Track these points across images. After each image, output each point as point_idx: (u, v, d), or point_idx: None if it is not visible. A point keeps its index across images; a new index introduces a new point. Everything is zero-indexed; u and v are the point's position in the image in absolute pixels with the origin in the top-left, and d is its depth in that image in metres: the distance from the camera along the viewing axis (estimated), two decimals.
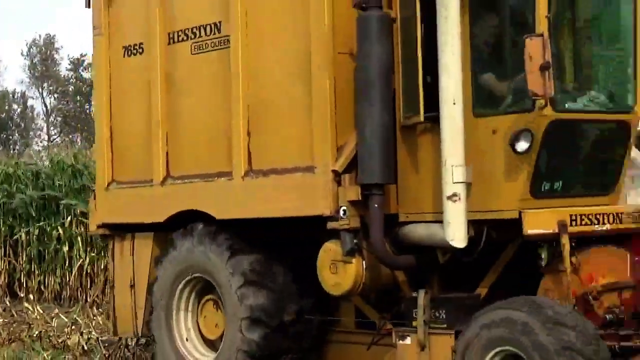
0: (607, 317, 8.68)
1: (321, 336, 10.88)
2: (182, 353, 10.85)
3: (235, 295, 10.12)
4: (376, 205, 9.19)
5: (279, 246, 10.68)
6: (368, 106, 9.07)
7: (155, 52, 11.02)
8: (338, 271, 9.45)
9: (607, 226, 9.25)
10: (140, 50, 11.26)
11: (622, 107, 9.53)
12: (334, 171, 9.37)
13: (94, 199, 12.14)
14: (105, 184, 11.82)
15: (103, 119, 11.78)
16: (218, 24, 10.37)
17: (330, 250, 9.58)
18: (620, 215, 9.45)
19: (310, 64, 9.51)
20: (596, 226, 9.17)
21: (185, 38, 10.76)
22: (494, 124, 8.73)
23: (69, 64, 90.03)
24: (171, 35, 10.92)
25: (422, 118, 8.94)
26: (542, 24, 8.43)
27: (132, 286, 11.48)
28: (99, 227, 12.00)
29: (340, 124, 9.41)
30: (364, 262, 9.55)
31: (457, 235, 8.65)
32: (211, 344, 10.86)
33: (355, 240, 9.44)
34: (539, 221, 8.77)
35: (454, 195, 8.55)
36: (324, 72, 9.36)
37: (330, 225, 9.49)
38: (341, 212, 9.37)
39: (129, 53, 11.46)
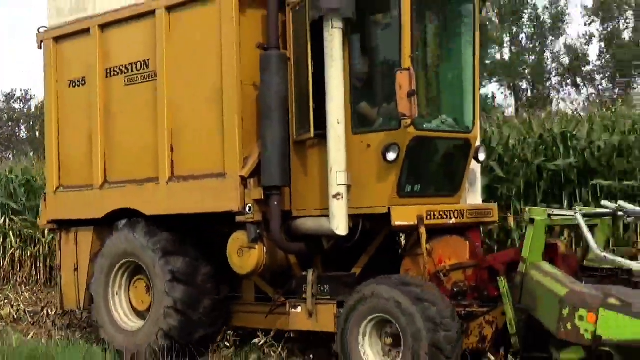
0: (454, 289, 9.85)
1: (227, 308, 11.73)
2: (115, 319, 11.71)
3: (163, 287, 10.93)
4: (275, 203, 10.11)
5: (199, 241, 11.51)
6: (269, 125, 9.99)
7: (95, 84, 11.75)
8: (244, 255, 10.40)
9: (453, 220, 10.34)
10: (83, 83, 12.04)
11: (464, 128, 10.55)
12: (241, 177, 10.22)
13: (44, 200, 12.88)
14: (54, 188, 12.58)
15: (52, 138, 12.57)
16: (147, 61, 11.17)
17: (238, 239, 10.44)
18: (462, 212, 10.54)
19: (221, 94, 10.37)
20: (445, 220, 10.25)
21: (119, 72, 11.55)
22: (368, 139, 9.72)
23: (3, 97, 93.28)
24: (108, 71, 11.68)
25: (312, 135, 9.87)
26: (406, 62, 9.44)
27: (76, 270, 12.36)
28: (48, 222, 12.81)
29: (245, 140, 10.31)
30: (264, 248, 10.39)
31: (340, 226, 9.62)
32: (139, 314, 11.68)
33: (258, 231, 10.30)
34: (403, 215, 9.75)
35: (338, 194, 9.55)
36: (233, 100, 10.25)
37: (238, 218, 10.28)
38: (247, 209, 10.24)
39: (74, 85, 12.25)
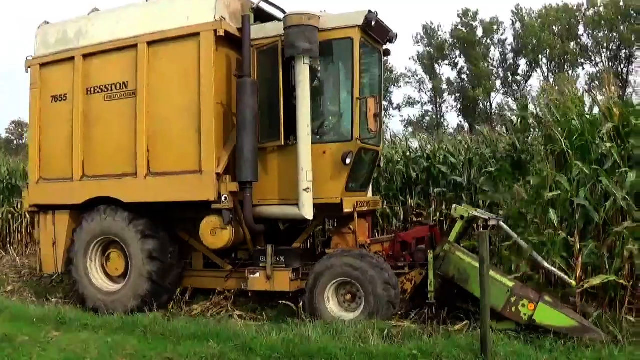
0: None
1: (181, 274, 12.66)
2: (91, 280, 12.50)
3: (141, 262, 11.91)
4: (248, 195, 11.16)
5: (167, 225, 12.43)
6: (245, 135, 10.99)
7: (77, 100, 12.39)
8: (217, 234, 11.39)
9: (366, 208, 11.89)
10: (65, 99, 12.65)
11: (377, 143, 12.04)
12: (217, 173, 11.16)
13: (27, 189, 13.35)
14: (36, 179, 13.09)
15: (34, 140, 13.07)
16: (126, 82, 11.98)
17: (211, 221, 11.41)
18: (369, 202, 12.18)
19: (198, 109, 11.25)
20: (363, 208, 11.72)
21: (99, 91, 12.26)
22: (324, 148, 11.06)
23: None
24: (89, 89, 12.36)
25: (282, 142, 11.05)
26: (357, 92, 10.92)
27: (54, 244, 12.98)
28: (30, 206, 13.28)
29: (217, 145, 11.27)
30: (233, 229, 11.47)
31: (309, 212, 10.84)
32: (111, 278, 12.57)
33: (231, 216, 11.30)
34: (348, 205, 11.18)
35: (308, 188, 10.75)
36: (210, 115, 11.22)
37: (215, 206, 11.22)
38: (223, 198, 11.17)
39: (56, 100, 12.80)
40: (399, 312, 10.93)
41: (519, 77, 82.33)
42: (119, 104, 12.20)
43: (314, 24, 10.87)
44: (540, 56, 79.81)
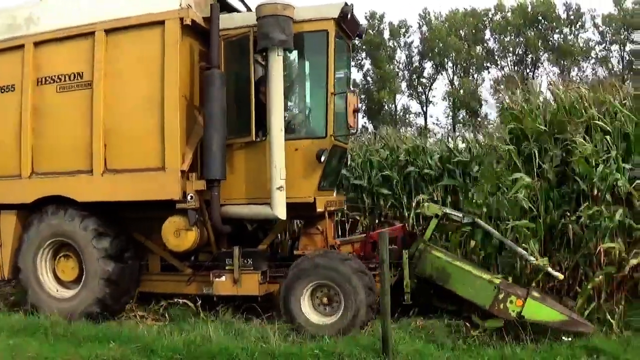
0: None
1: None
2: (43, 287, 11.15)
3: (97, 263, 10.70)
4: (216, 193, 10.32)
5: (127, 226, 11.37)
6: (214, 130, 10.14)
7: (26, 90, 11.11)
8: (181, 236, 10.43)
9: (333, 207, 11.29)
10: (12, 89, 11.31)
11: (345, 141, 11.27)
12: (182, 171, 10.26)
13: None
14: None
15: None
16: (81, 73, 10.82)
17: (174, 222, 10.45)
18: (336, 201, 11.56)
19: (161, 103, 10.30)
20: (331, 207, 11.13)
21: (51, 82, 11.03)
22: (296, 145, 10.25)
23: None
24: (39, 80, 11.11)
25: (253, 139, 10.26)
26: (331, 87, 10.20)
27: (0, 246, 11.54)
28: None
29: (182, 141, 10.36)
30: (198, 231, 10.60)
31: (281, 212, 10.05)
32: (62, 284, 11.26)
33: (197, 216, 10.45)
34: (320, 204, 10.49)
35: (281, 187, 9.95)
36: (175, 108, 10.26)
37: (179, 205, 10.34)
38: (189, 197, 10.30)
39: (2, 91, 11.44)
40: None
41: (424, 80, 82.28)
42: (73, 95, 11.01)
43: (289, 15, 10.03)
44: (446, 59, 79.95)
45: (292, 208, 10.35)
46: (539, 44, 73.01)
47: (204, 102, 10.42)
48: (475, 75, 78.92)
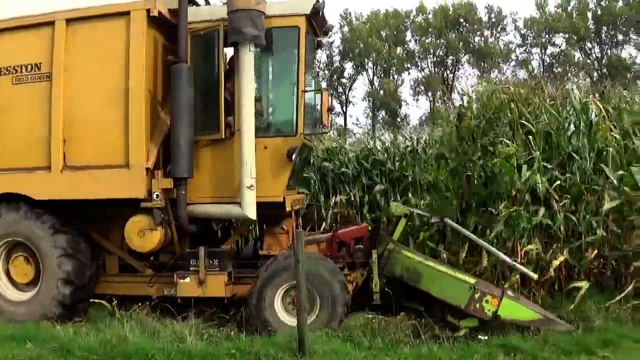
0: None
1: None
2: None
3: (55, 262, 10.24)
4: (183, 192, 10.10)
5: (84, 224, 10.87)
6: (181, 126, 9.90)
7: None
8: (145, 236, 10.14)
9: (298, 206, 11.21)
10: None
11: (310, 138, 11.12)
12: (147, 168, 9.98)
13: None
14: None
15: None
16: (39, 64, 10.34)
17: (138, 221, 10.15)
18: (299, 200, 11.59)
19: (126, 97, 9.96)
20: (295, 206, 11.05)
21: (6, 73, 10.51)
22: (265, 142, 10.08)
23: None
24: None
25: (223, 136, 10.05)
26: (302, 84, 10.08)
27: None
28: None
29: (147, 137, 10.08)
30: (163, 230, 10.34)
31: (251, 211, 9.89)
32: (17, 286, 10.74)
33: (163, 215, 10.18)
34: (289, 203, 10.37)
35: (251, 186, 9.77)
36: (140, 103, 9.97)
37: (145, 204, 10.04)
38: (154, 196, 10.02)
39: None
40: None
41: (344, 80, 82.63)
42: (30, 88, 10.53)
43: (261, 9, 9.85)
44: (366, 60, 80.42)
45: (260, 207, 10.15)
46: (460, 46, 73.99)
47: (171, 97, 10.14)
48: (396, 76, 79.55)
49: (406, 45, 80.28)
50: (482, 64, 73.34)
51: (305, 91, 10.13)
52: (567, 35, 72.25)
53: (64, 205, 10.52)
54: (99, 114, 10.26)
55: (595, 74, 66.30)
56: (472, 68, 74.59)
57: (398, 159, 16.24)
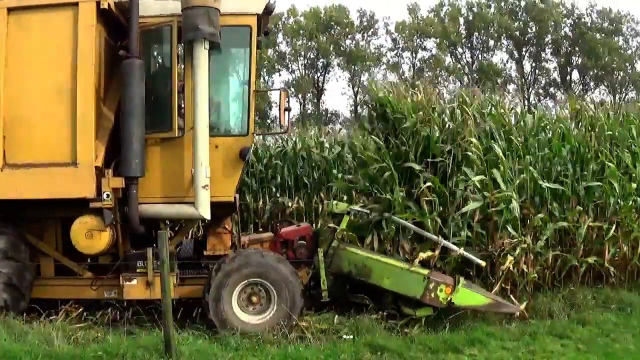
0: None
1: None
2: None
3: None
4: (134, 192, 9.88)
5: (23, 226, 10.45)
6: (133, 123, 9.69)
7: None
8: (94, 237, 9.81)
9: (238, 204, 11.31)
10: None
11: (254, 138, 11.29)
12: (96, 167, 9.70)
13: None
14: None
15: None
16: None
17: (86, 222, 9.82)
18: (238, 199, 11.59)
19: (73, 91, 9.68)
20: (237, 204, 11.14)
21: None
22: (216, 141, 10.08)
23: None
24: None
25: (176, 134, 10.01)
26: (253, 84, 10.17)
27: None
28: None
29: (96, 134, 9.83)
30: (112, 231, 10.08)
31: (205, 211, 9.91)
32: None
33: (112, 216, 9.91)
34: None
35: (206, 185, 9.78)
36: (89, 98, 9.69)
37: (94, 204, 9.73)
38: (105, 196, 9.75)
39: None
40: None
41: None
42: None
43: (217, 7, 9.83)
44: None
45: (213, 207, 10.15)
46: (331, 49, 75.00)
47: (123, 93, 9.91)
48: (266, 78, 79.83)
49: (277, 47, 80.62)
50: (353, 67, 74.60)
51: (258, 91, 10.19)
52: (438, 40, 74.56)
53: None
54: (42, 109, 9.90)
55: (465, 79, 68.83)
56: (343, 71, 75.82)
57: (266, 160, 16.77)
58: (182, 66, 10.57)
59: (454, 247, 10.79)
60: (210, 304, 9.84)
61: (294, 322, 9.93)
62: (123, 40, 10.68)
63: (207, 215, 9.95)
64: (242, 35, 10.28)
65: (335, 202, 11.41)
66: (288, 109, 10.39)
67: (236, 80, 10.85)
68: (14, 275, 10.00)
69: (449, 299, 10.11)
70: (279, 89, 10.45)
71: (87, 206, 9.92)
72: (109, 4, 9.93)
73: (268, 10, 10.37)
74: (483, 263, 10.69)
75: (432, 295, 10.14)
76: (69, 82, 9.81)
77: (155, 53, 10.35)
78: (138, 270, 10.26)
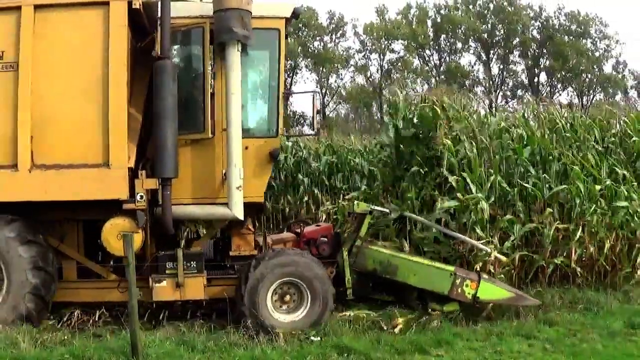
0: None
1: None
2: None
3: (24, 274, 9.70)
4: (168, 193, 9.89)
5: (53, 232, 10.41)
6: (166, 125, 9.76)
7: None
8: None
9: None
10: None
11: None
12: (130, 168, 9.70)
13: None
14: None
15: None
16: (1, 53, 9.76)
17: (118, 224, 9.78)
18: None
19: (105, 91, 9.69)
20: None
21: None
22: (247, 143, 10.18)
23: None
24: None
25: (209, 135, 10.13)
26: (281, 86, 10.49)
27: None
28: None
29: (129, 135, 9.86)
30: (144, 233, 10.04)
31: (239, 212, 10.03)
32: None
33: (145, 217, 9.89)
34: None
35: (239, 186, 9.91)
36: (122, 99, 9.72)
37: (127, 206, 9.72)
38: (138, 197, 9.74)
39: None
40: None
41: None
42: None
43: (249, 9, 10.00)
44: None
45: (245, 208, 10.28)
46: (299, 50, 75.16)
47: (156, 94, 9.93)
48: None
49: None
50: (321, 69, 74.79)
51: (287, 93, 10.30)
52: (406, 42, 75.05)
53: (24, 209, 9.98)
54: (72, 109, 9.87)
55: (433, 81, 69.39)
56: (311, 73, 76.00)
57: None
58: (211, 68, 10.58)
59: (483, 247, 11.15)
60: (246, 299, 9.98)
61: (326, 322, 10.12)
62: (143, 40, 10.80)
63: (240, 215, 10.06)
64: (271, 38, 10.48)
65: (357, 202, 11.54)
66: (319, 112, 10.57)
67: (265, 82, 10.95)
68: (42, 286, 9.91)
69: (474, 293, 10.50)
70: (311, 92, 10.61)
71: (114, 208, 9.91)
72: (140, 4, 9.92)
73: (295, 14, 10.60)
74: (505, 259, 11.24)
75: (459, 290, 10.59)
76: (100, 82, 9.81)
77: (185, 54, 10.44)
78: (167, 272, 10.32)
